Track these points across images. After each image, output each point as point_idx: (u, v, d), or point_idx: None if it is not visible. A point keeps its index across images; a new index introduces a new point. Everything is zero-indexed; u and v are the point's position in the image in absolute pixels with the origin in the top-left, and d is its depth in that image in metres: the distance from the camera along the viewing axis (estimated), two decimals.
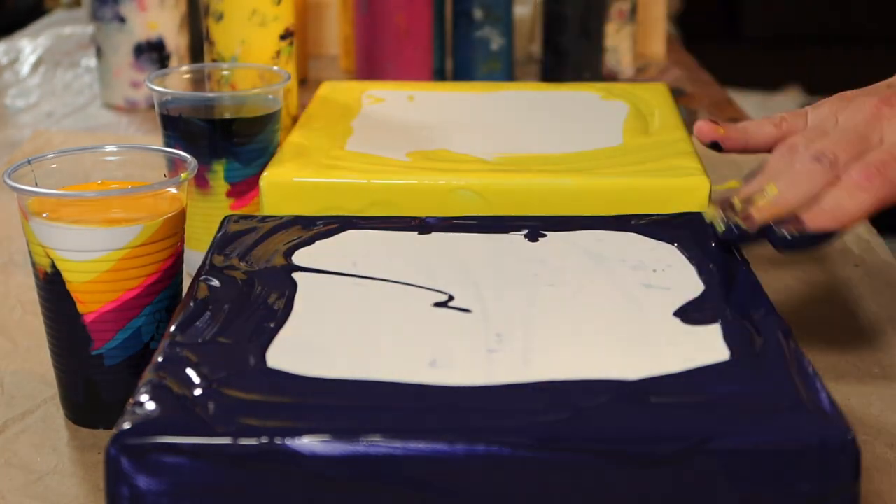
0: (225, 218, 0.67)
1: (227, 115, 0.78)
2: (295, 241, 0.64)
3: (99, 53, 1.21)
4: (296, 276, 0.60)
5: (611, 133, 0.80)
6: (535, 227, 0.66)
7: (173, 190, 0.62)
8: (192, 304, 0.57)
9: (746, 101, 2.55)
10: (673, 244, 0.63)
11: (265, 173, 0.73)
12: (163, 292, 0.61)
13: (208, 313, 0.56)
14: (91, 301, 0.60)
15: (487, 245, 0.64)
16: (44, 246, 0.60)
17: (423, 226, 0.66)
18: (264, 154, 0.78)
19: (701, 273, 0.60)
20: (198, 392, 0.49)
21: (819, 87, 2.97)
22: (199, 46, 1.26)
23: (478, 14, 1.23)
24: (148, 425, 0.47)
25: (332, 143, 0.78)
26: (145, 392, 0.49)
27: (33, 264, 0.61)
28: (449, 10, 1.27)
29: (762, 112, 2.77)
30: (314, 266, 0.61)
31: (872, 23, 3.09)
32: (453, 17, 1.25)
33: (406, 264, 0.61)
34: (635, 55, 1.34)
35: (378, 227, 0.66)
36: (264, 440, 0.46)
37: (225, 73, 0.83)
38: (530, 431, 0.47)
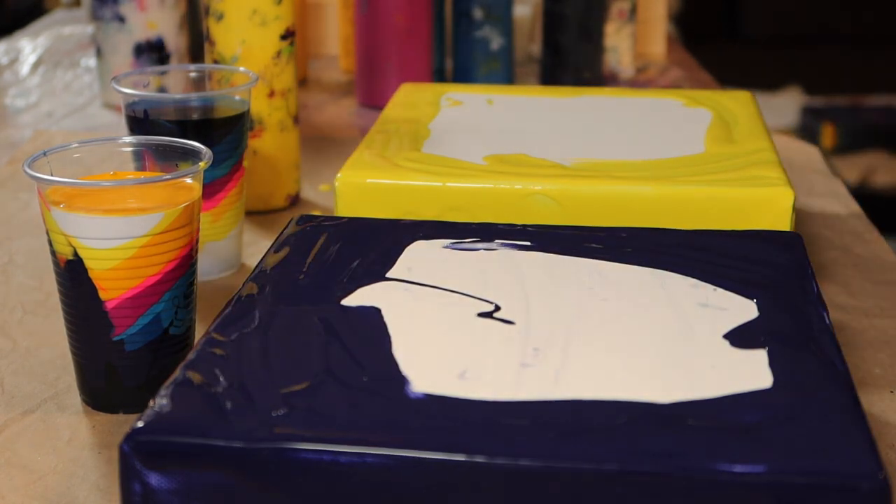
0: (295, 217, 0.67)
1: (195, 117, 0.78)
2: (360, 244, 0.63)
3: (99, 53, 1.21)
4: (349, 281, 0.59)
5: (693, 141, 0.79)
6: (606, 239, 0.64)
7: (188, 180, 0.63)
8: (236, 303, 0.57)
9: None
10: (746, 263, 0.61)
11: (340, 174, 0.72)
12: (181, 279, 0.62)
13: (251, 314, 0.56)
14: (113, 288, 0.61)
15: (548, 256, 0.62)
16: (66, 234, 0.61)
17: (487, 235, 0.64)
18: (233, 155, 0.78)
19: (764, 296, 0.58)
20: (219, 393, 0.49)
21: (819, 87, 2.97)
22: (199, 46, 1.26)
23: (478, 14, 1.23)
24: (161, 424, 0.47)
25: (409, 146, 0.77)
26: (168, 390, 0.49)
27: (53, 253, 0.62)
28: (449, 10, 1.27)
29: (762, 111, 2.77)
30: (369, 270, 0.61)
31: (872, 23, 3.08)
32: (453, 17, 1.25)
33: (460, 272, 0.60)
34: (635, 55, 1.34)
35: (441, 234, 0.65)
36: (275, 445, 0.46)
37: (192, 74, 0.82)
38: (534, 448, 0.45)
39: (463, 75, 1.25)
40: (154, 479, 0.46)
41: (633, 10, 1.29)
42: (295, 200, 0.94)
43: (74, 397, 0.65)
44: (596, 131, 0.81)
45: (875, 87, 2.93)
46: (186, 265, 0.63)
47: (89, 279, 0.61)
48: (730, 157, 0.75)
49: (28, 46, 1.48)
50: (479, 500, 0.45)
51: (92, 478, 0.58)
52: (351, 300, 0.58)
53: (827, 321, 0.56)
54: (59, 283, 0.63)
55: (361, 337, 0.54)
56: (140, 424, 0.47)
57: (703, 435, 0.46)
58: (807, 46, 3.06)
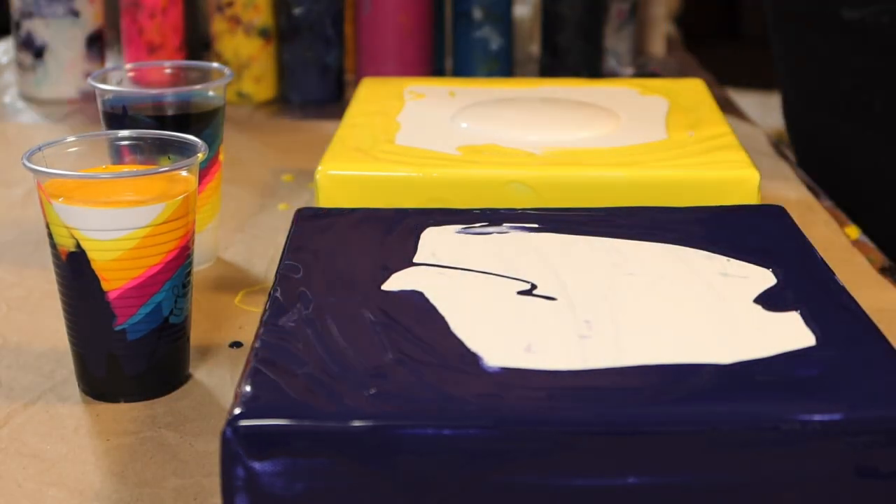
0: (298, 211, 0.68)
1: (171, 112, 0.79)
2: (374, 234, 0.64)
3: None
4: (380, 268, 0.60)
5: (655, 128, 0.81)
6: (606, 218, 0.66)
7: (184, 172, 0.64)
8: (277, 296, 0.57)
9: (746, 101, 2.55)
10: (744, 235, 0.64)
11: (320, 167, 0.73)
12: (180, 268, 0.63)
13: (297, 305, 0.56)
14: (115, 278, 0.62)
15: (560, 236, 0.64)
16: (68, 227, 0.61)
17: (493, 218, 0.66)
18: (210, 150, 0.78)
19: (775, 263, 0.60)
20: (302, 379, 0.50)
21: None
22: (195, 45, 1.26)
23: (478, 14, 1.23)
24: (260, 409, 0.48)
25: (383, 138, 0.78)
26: (249, 379, 0.50)
27: (54, 246, 0.63)
28: (449, 10, 1.27)
29: (762, 112, 2.77)
30: (395, 257, 0.62)
31: None
32: (453, 17, 1.25)
33: (483, 254, 0.62)
34: (635, 55, 1.34)
35: (449, 220, 0.66)
36: (373, 424, 0.47)
37: (168, 71, 0.83)
38: (628, 412, 0.47)
39: (463, 75, 1.25)
40: (257, 464, 0.47)
41: (633, 11, 1.29)
42: None
43: (73, 388, 0.65)
44: (560, 121, 0.83)
45: None
46: (185, 255, 0.64)
47: (92, 270, 0.62)
48: (693, 142, 0.78)
49: None
50: (574, 465, 0.47)
51: (105, 464, 0.58)
52: (390, 286, 0.58)
53: (840, 283, 0.58)
54: (60, 276, 0.63)
55: (415, 319, 0.55)
56: (239, 411, 0.47)
57: (776, 390, 0.49)
58: None
